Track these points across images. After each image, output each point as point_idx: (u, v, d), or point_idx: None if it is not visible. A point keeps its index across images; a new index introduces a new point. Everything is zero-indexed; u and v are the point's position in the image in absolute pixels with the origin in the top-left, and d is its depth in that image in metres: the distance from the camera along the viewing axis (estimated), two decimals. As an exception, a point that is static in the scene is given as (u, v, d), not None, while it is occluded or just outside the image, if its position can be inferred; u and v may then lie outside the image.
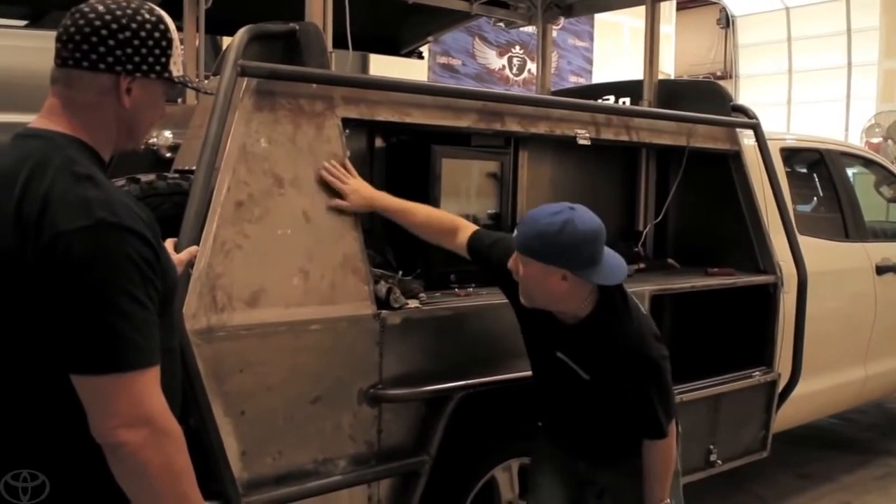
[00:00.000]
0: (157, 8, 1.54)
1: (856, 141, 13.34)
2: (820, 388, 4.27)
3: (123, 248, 1.36)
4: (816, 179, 4.86)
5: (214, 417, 2.19)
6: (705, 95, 3.98)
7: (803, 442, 5.20)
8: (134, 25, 1.47)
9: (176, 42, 1.55)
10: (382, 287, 2.58)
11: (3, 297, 1.39)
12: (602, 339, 2.31)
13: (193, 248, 2.18)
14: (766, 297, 3.78)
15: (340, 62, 3.52)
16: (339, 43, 3.19)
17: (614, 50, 16.27)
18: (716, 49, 22.80)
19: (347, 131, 2.59)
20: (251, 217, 2.32)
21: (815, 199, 4.93)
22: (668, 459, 2.42)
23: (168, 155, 3.55)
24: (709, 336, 3.79)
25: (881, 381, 4.83)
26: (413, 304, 2.64)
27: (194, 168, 2.31)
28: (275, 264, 2.35)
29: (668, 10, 16.11)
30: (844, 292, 4.46)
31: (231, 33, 2.47)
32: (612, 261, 2.27)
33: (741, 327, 3.83)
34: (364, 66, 8.49)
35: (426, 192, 2.96)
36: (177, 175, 2.84)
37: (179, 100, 3.98)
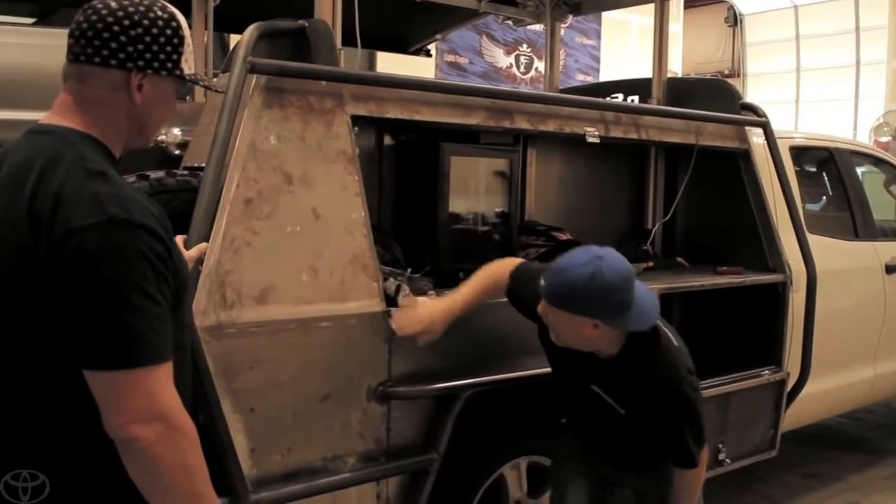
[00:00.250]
0: (170, 5, 1.54)
1: (864, 140, 13.28)
2: (829, 387, 4.25)
3: (135, 244, 1.35)
4: (826, 178, 4.85)
5: (224, 414, 2.19)
6: (714, 93, 3.96)
7: (812, 441, 5.19)
8: (146, 22, 1.47)
9: (188, 40, 1.54)
10: (391, 284, 2.58)
11: (14, 293, 1.39)
12: (636, 373, 2.32)
13: (203, 245, 2.18)
14: (776, 296, 3.77)
15: (349, 60, 3.52)
16: (348, 40, 3.19)
17: (622, 48, 16.23)
18: (724, 47, 22.73)
19: (356, 129, 2.59)
20: (260, 214, 2.32)
21: (825, 197, 4.91)
22: (696, 487, 2.48)
23: (177, 152, 3.57)
24: (717, 335, 3.77)
25: (890, 381, 4.81)
26: (422, 301, 2.63)
27: (203, 165, 2.31)
28: (284, 261, 2.35)
29: (675, 9, 16.08)
30: (854, 291, 4.45)
31: (239, 31, 2.47)
32: (644, 301, 2.23)
33: (750, 326, 3.81)
34: (371, 63, 8.49)
35: (435, 189, 2.96)
36: (186, 172, 2.85)
37: (188, 97, 3.98)
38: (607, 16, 14.83)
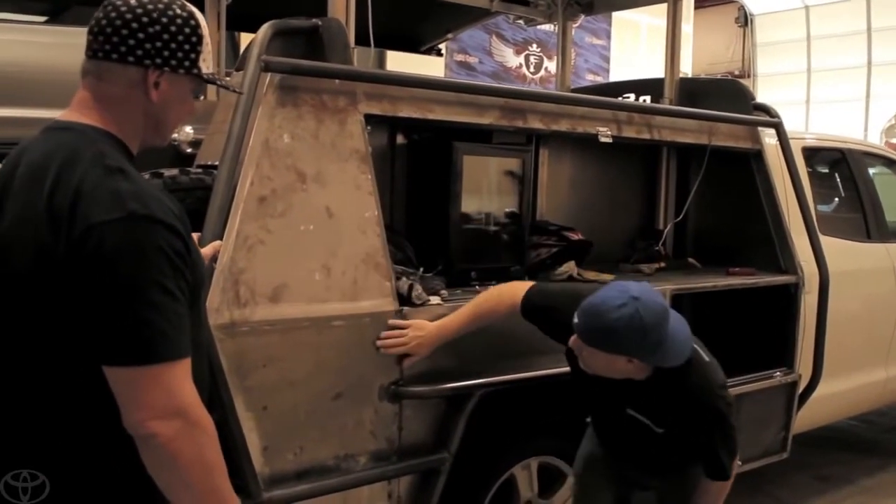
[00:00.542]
0: (189, 4, 1.54)
1: (875, 141, 13.22)
2: (841, 389, 4.24)
3: (155, 239, 1.36)
4: (838, 179, 4.83)
5: (237, 412, 2.19)
6: (727, 94, 3.95)
7: (823, 444, 5.16)
8: (164, 20, 1.48)
9: (206, 39, 1.54)
10: (404, 283, 2.58)
11: (33, 292, 1.39)
12: (670, 392, 2.32)
13: (217, 243, 2.19)
14: (788, 298, 3.76)
15: (360, 59, 3.52)
16: (360, 40, 3.19)
17: (631, 48, 16.19)
18: (734, 48, 22.66)
19: (369, 128, 2.59)
20: (274, 212, 2.32)
21: (837, 198, 4.89)
22: (724, 495, 2.51)
23: (189, 150, 3.56)
24: (729, 336, 3.75)
25: (902, 383, 4.79)
26: (435, 300, 2.64)
27: (217, 163, 2.32)
28: (297, 260, 2.35)
29: (686, 9, 15.99)
30: (866, 293, 4.43)
31: (251, 30, 2.47)
32: (677, 335, 2.24)
33: (762, 327, 3.80)
34: (380, 62, 8.48)
35: (447, 189, 2.96)
36: (199, 170, 2.85)
37: (201, 96, 3.99)
38: (617, 16, 14.80)
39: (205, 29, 1.54)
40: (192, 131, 3.64)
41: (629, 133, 3.34)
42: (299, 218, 2.36)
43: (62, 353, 1.39)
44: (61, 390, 1.40)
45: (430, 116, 2.74)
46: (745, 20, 22.19)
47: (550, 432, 2.96)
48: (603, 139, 3.22)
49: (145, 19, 1.46)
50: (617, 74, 15.04)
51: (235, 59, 4.97)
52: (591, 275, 3.32)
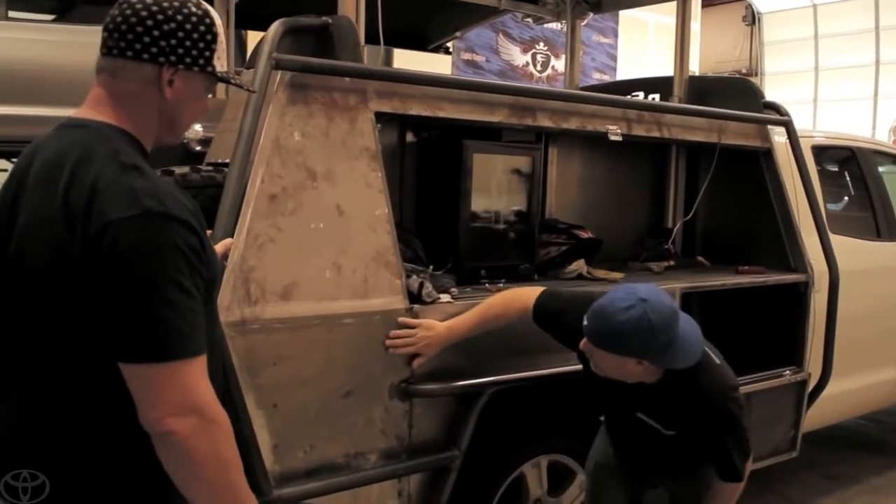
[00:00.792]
0: (204, 3, 1.54)
1: (883, 140, 13.17)
2: (850, 388, 4.22)
3: (170, 237, 1.36)
4: (848, 177, 4.81)
5: (247, 410, 2.19)
6: (737, 92, 3.94)
7: (832, 443, 5.15)
8: (179, 17, 1.48)
9: (221, 38, 1.54)
10: (414, 281, 2.58)
11: (49, 292, 1.39)
12: (681, 395, 2.32)
13: (228, 241, 2.19)
14: (797, 296, 3.75)
15: (369, 57, 3.52)
16: (369, 38, 3.19)
17: (639, 46, 16.17)
18: (741, 46, 22.59)
19: (380, 125, 2.59)
20: (284, 210, 2.32)
21: (847, 197, 4.87)
22: (736, 496, 2.50)
23: (198, 148, 3.58)
24: (739, 335, 3.74)
25: (912, 383, 4.77)
26: (445, 298, 2.64)
27: (227, 161, 2.32)
28: (308, 258, 2.36)
29: (693, 7, 15.97)
30: (876, 292, 4.41)
31: (259, 28, 2.47)
32: (687, 337, 2.24)
33: (771, 326, 3.79)
34: (388, 61, 8.48)
35: (457, 187, 2.95)
36: (210, 168, 2.86)
37: (210, 94, 4.00)
38: (624, 14, 14.78)
39: (219, 27, 1.54)
40: (201, 129, 3.65)
41: (639, 131, 3.33)
42: (310, 216, 2.36)
43: (77, 351, 1.39)
44: (74, 388, 1.40)
45: (440, 114, 2.74)
46: (752, 18, 22.12)
47: (560, 430, 2.96)
48: (613, 137, 3.21)
49: (160, 17, 1.46)
50: (624, 73, 15.01)
51: (242, 57, 4.98)
52: (600, 273, 3.31)
